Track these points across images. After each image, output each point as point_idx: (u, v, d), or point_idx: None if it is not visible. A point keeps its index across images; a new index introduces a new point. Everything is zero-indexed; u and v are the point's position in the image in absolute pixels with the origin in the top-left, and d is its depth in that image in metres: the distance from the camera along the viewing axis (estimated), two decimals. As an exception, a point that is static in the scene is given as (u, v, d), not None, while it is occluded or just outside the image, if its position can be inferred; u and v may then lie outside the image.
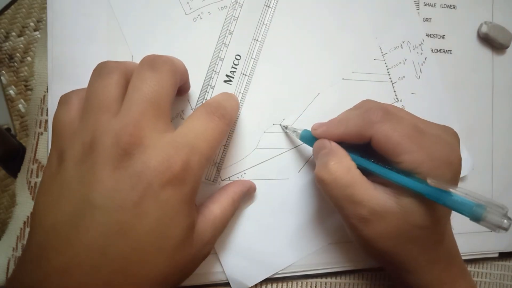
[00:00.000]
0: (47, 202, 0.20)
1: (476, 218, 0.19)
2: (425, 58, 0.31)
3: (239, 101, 0.27)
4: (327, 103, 0.29)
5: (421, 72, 0.31)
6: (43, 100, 0.28)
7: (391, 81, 0.30)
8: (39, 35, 0.30)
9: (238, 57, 0.28)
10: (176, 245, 0.20)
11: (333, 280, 0.30)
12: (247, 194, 0.28)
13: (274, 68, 0.29)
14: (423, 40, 0.31)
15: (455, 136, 0.25)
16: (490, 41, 0.31)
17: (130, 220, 0.19)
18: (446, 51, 0.32)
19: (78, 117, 0.21)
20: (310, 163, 0.29)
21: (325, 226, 0.29)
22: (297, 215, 0.29)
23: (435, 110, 0.31)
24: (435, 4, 0.31)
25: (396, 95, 0.30)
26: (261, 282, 0.29)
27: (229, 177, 0.28)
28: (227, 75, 0.28)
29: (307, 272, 0.29)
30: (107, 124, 0.20)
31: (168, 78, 0.21)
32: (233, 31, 0.28)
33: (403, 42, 0.31)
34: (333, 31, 0.30)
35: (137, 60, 0.24)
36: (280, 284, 0.29)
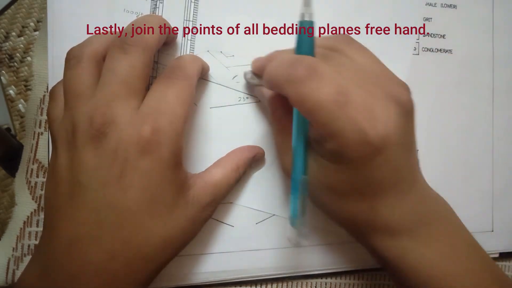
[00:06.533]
0: (49, 187, 0.22)
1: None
2: None
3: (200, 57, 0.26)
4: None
5: None
6: (43, 100, 0.28)
7: None
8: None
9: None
10: (168, 209, 0.22)
11: (333, 280, 0.30)
12: (254, 160, 0.27)
13: None
14: None
15: None
16: None
17: (116, 193, 0.20)
18: (446, 51, 0.32)
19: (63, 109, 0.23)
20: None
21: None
22: None
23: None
24: (435, 4, 0.31)
25: None
26: (261, 282, 0.29)
27: None
28: None
29: (307, 272, 0.29)
30: (82, 108, 0.21)
31: (139, 56, 0.22)
32: None
33: None
34: None
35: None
36: (280, 284, 0.29)
